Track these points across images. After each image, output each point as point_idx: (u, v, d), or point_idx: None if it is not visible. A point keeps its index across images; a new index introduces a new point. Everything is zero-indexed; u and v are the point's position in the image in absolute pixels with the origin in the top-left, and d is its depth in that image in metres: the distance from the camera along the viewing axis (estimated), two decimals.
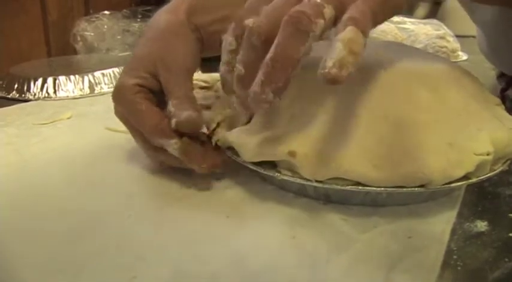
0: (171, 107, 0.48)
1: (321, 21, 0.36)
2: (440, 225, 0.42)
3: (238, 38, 0.41)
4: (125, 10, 1.15)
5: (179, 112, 0.47)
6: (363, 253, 0.38)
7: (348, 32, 0.35)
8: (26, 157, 0.57)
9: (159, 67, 0.50)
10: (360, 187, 0.42)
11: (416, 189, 0.41)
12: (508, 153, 0.45)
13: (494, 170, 0.44)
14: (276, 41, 0.37)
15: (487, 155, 0.42)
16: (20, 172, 0.53)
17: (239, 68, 0.39)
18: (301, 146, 0.42)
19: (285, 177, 0.43)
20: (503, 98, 0.79)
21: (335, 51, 0.34)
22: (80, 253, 0.39)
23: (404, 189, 0.41)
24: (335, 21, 0.37)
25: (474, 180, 0.43)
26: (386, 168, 0.41)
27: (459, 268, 0.37)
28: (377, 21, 0.39)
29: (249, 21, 0.39)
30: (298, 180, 0.43)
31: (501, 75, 0.86)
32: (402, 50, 0.54)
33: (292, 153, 0.42)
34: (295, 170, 0.43)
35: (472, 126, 0.43)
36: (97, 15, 1.09)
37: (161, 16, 0.53)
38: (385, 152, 0.41)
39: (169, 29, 0.51)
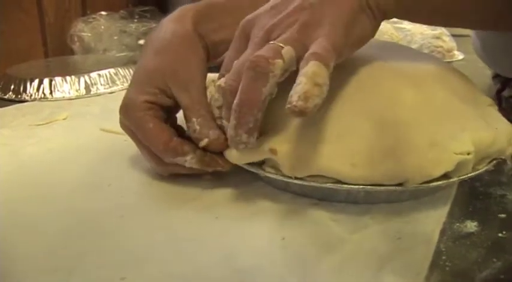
0: (195, 125, 0.47)
1: (279, 61, 0.39)
2: (430, 225, 0.42)
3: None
4: (122, 11, 1.14)
5: (206, 131, 0.46)
6: (353, 253, 0.38)
7: (310, 66, 0.37)
8: (21, 158, 0.58)
9: (171, 83, 0.49)
10: (339, 185, 0.42)
11: (394, 187, 0.42)
12: (491, 153, 0.45)
13: (478, 170, 0.45)
14: (239, 87, 0.40)
15: (468, 154, 0.42)
16: (15, 172, 0.54)
17: (224, 122, 0.44)
18: (282, 143, 0.43)
19: (268, 174, 0.44)
20: (499, 99, 0.79)
21: (299, 86, 0.37)
22: (72, 253, 0.39)
23: (383, 187, 0.42)
24: (298, 60, 0.40)
25: (455, 179, 0.43)
26: (365, 166, 0.41)
27: (447, 268, 0.37)
28: (341, 54, 0.41)
29: (221, 81, 0.43)
30: (280, 177, 0.43)
31: (496, 76, 0.86)
32: (394, 49, 0.55)
33: (273, 151, 0.43)
34: (278, 167, 0.44)
35: (454, 125, 0.44)
36: (94, 16, 1.09)
37: (167, 26, 0.52)
38: (364, 150, 0.42)
39: (178, 39, 0.50)
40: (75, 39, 1.06)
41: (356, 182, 0.42)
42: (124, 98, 0.51)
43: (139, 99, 0.49)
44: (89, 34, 1.06)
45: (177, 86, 0.48)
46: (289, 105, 0.37)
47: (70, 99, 0.81)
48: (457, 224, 0.43)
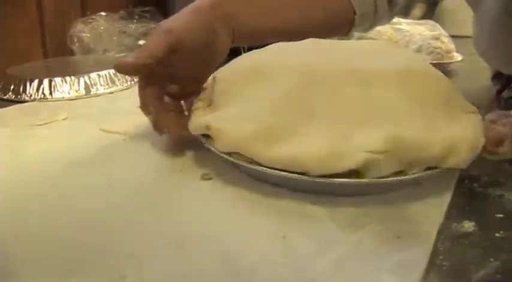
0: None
1: None
2: (428, 225, 0.42)
3: None
4: (121, 11, 1.15)
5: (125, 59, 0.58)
6: (351, 253, 0.39)
7: None
8: (21, 158, 0.58)
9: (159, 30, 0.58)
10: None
11: (298, 176, 0.44)
12: (423, 159, 0.45)
13: (412, 175, 0.45)
14: None
15: (378, 153, 0.43)
16: (15, 172, 0.54)
17: None
18: (217, 121, 0.48)
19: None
20: (499, 100, 0.80)
21: None
22: (72, 252, 0.39)
23: (305, 177, 0.44)
24: None
25: (365, 180, 0.44)
26: (274, 149, 0.44)
27: (444, 268, 0.37)
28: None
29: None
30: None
31: (495, 76, 0.86)
32: (379, 50, 0.55)
33: (208, 127, 0.48)
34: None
35: (382, 124, 0.44)
36: (94, 17, 1.10)
37: (183, 9, 0.62)
38: (278, 134, 0.44)
39: (187, 9, 0.61)
40: (75, 39, 1.06)
41: (270, 165, 0.44)
42: None
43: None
44: (89, 35, 1.06)
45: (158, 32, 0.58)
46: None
47: (70, 99, 0.81)
48: (455, 224, 0.43)
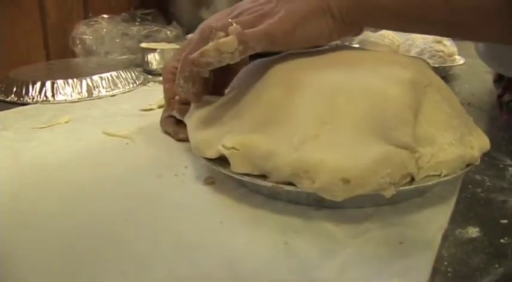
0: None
1: (221, 33, 0.48)
2: (432, 231, 0.42)
3: None
4: (123, 14, 1.15)
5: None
6: (354, 258, 0.39)
7: (226, 38, 0.47)
8: (24, 160, 0.58)
9: None
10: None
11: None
12: (271, 169, 0.44)
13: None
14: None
15: (231, 149, 0.45)
16: (18, 175, 0.54)
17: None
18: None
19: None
20: (501, 104, 0.79)
21: (206, 46, 0.48)
22: (75, 257, 0.39)
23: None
24: None
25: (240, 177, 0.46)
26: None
27: (449, 274, 0.37)
28: (274, 42, 0.49)
29: (189, 35, 0.54)
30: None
31: (497, 80, 0.86)
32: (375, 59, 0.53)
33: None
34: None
35: (279, 129, 0.45)
36: (96, 19, 1.10)
37: (213, 16, 0.61)
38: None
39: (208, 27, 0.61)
40: (77, 41, 1.06)
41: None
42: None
43: (170, 64, 0.62)
44: (91, 37, 1.06)
45: None
46: (189, 55, 0.49)
47: (72, 102, 0.81)
48: (459, 230, 0.43)
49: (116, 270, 0.37)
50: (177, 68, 0.59)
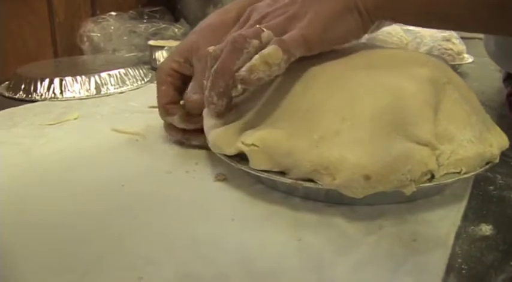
0: (188, 88, 0.56)
1: (256, 41, 0.46)
2: (445, 228, 0.42)
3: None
4: (131, 11, 1.15)
5: (190, 94, 0.55)
6: (368, 255, 0.38)
7: (268, 48, 0.44)
8: (32, 158, 0.58)
9: (192, 54, 0.58)
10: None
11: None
12: (292, 165, 0.44)
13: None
14: (220, 57, 0.47)
15: (251, 146, 0.45)
16: (27, 172, 0.54)
17: (206, 82, 0.49)
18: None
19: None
20: (510, 102, 0.79)
21: (251, 61, 0.43)
22: (87, 254, 0.39)
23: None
24: None
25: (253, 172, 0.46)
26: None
27: (464, 272, 0.37)
28: (314, 46, 0.47)
29: (210, 48, 0.49)
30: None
31: (507, 78, 0.85)
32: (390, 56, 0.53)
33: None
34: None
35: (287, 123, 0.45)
36: (104, 16, 1.10)
37: (211, 17, 0.62)
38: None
39: (212, 26, 0.60)
40: (85, 39, 1.06)
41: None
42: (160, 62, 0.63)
43: (167, 65, 0.59)
44: (99, 34, 1.06)
45: (194, 58, 0.58)
46: (236, 74, 0.44)
47: (80, 99, 0.81)
48: (472, 227, 0.43)
49: (127, 268, 0.37)
50: (175, 70, 0.59)
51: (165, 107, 0.58)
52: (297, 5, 0.48)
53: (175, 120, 0.57)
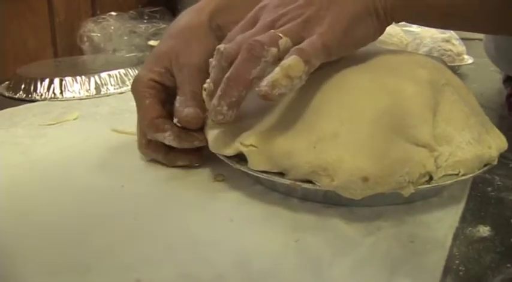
0: (176, 103, 0.52)
1: (274, 49, 0.43)
2: (443, 230, 0.42)
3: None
4: (131, 11, 1.15)
5: (181, 109, 0.51)
6: (366, 257, 0.38)
7: (289, 60, 0.41)
8: (32, 158, 0.58)
9: (173, 63, 0.54)
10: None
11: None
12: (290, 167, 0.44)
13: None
14: (234, 64, 0.43)
15: (250, 147, 0.45)
16: (26, 172, 0.54)
17: (210, 84, 0.46)
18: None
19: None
20: (510, 104, 0.79)
21: (272, 74, 0.41)
22: (86, 254, 0.39)
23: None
24: None
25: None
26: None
27: (461, 273, 0.37)
28: (334, 53, 0.44)
29: (221, 46, 0.46)
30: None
31: (507, 79, 0.85)
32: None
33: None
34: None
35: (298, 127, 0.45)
36: (104, 16, 1.10)
37: (184, 15, 0.58)
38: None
39: (189, 28, 0.55)
40: (85, 39, 1.07)
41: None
42: (136, 74, 0.57)
43: (147, 77, 0.54)
44: (99, 34, 1.06)
45: (175, 67, 0.53)
46: (257, 88, 0.41)
47: (80, 99, 0.81)
48: (470, 229, 0.43)
49: (126, 267, 0.37)
50: (156, 82, 0.53)
51: (155, 123, 0.51)
52: (314, 7, 0.45)
53: (167, 138, 0.51)
